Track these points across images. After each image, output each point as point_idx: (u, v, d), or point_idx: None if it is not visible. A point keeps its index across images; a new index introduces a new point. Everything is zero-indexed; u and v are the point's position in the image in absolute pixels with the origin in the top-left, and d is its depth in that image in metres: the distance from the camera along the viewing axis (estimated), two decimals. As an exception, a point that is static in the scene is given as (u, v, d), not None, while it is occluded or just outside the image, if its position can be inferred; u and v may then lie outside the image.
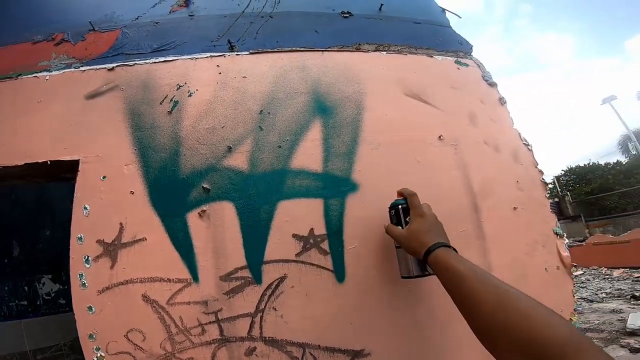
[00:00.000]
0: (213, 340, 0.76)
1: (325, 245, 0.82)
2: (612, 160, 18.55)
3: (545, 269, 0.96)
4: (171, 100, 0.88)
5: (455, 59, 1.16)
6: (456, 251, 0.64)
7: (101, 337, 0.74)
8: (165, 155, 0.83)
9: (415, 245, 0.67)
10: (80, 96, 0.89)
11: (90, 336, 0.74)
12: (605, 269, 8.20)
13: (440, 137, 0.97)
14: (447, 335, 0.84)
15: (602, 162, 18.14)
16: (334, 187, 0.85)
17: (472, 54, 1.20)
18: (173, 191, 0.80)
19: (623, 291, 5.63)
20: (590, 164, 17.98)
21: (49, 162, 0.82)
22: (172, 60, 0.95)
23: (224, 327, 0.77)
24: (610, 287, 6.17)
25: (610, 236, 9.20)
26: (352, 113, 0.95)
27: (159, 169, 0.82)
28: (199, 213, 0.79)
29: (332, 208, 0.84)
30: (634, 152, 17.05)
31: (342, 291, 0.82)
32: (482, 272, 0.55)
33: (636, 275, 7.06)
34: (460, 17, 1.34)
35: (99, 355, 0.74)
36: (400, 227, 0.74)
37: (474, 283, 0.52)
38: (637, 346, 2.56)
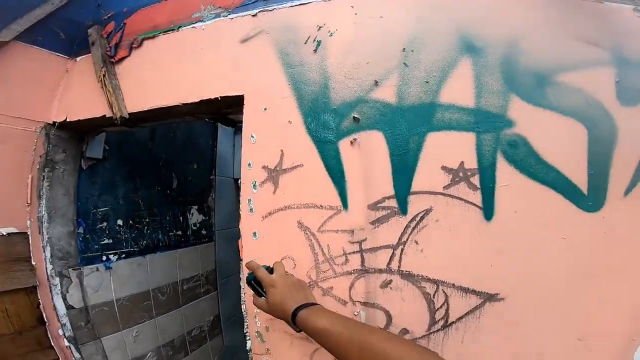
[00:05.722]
0: (354, 270, 0.79)
1: (475, 180, 0.78)
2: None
3: None
4: (314, 40, 0.91)
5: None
6: (316, 304, 0.70)
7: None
8: (316, 88, 0.86)
9: (280, 316, 0.72)
10: (235, 41, 0.97)
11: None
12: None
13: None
14: (592, 293, 0.70)
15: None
16: (487, 122, 0.79)
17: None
18: (326, 121, 0.84)
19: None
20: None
21: (219, 98, 0.94)
22: (307, 3, 0.96)
23: (366, 258, 0.78)
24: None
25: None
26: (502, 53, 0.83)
27: (312, 100, 0.86)
28: (350, 141, 0.82)
29: (485, 143, 0.78)
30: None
31: (488, 230, 0.75)
32: (342, 321, 0.63)
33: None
34: None
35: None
36: (264, 299, 0.75)
37: (335, 337, 0.60)
38: None
